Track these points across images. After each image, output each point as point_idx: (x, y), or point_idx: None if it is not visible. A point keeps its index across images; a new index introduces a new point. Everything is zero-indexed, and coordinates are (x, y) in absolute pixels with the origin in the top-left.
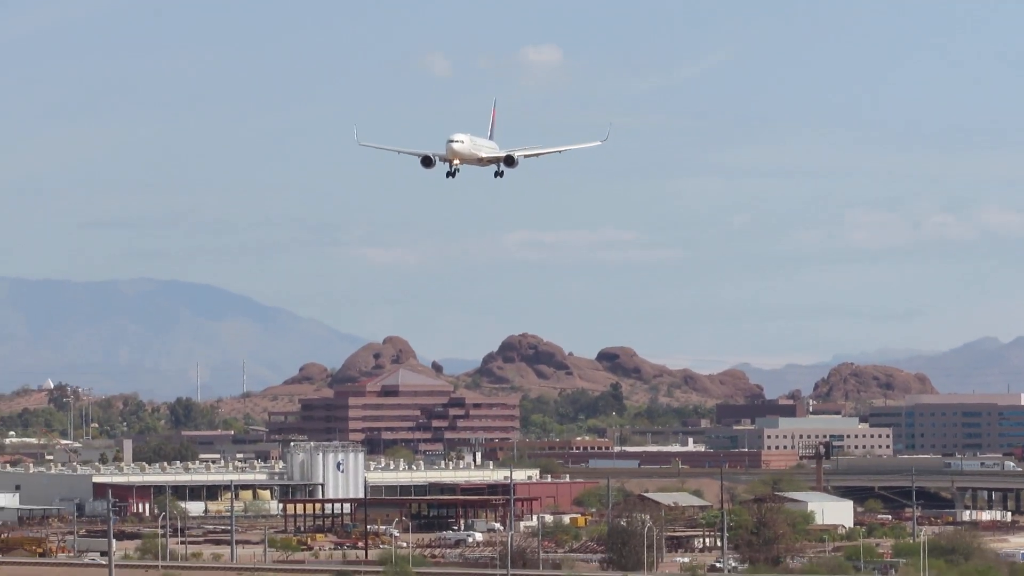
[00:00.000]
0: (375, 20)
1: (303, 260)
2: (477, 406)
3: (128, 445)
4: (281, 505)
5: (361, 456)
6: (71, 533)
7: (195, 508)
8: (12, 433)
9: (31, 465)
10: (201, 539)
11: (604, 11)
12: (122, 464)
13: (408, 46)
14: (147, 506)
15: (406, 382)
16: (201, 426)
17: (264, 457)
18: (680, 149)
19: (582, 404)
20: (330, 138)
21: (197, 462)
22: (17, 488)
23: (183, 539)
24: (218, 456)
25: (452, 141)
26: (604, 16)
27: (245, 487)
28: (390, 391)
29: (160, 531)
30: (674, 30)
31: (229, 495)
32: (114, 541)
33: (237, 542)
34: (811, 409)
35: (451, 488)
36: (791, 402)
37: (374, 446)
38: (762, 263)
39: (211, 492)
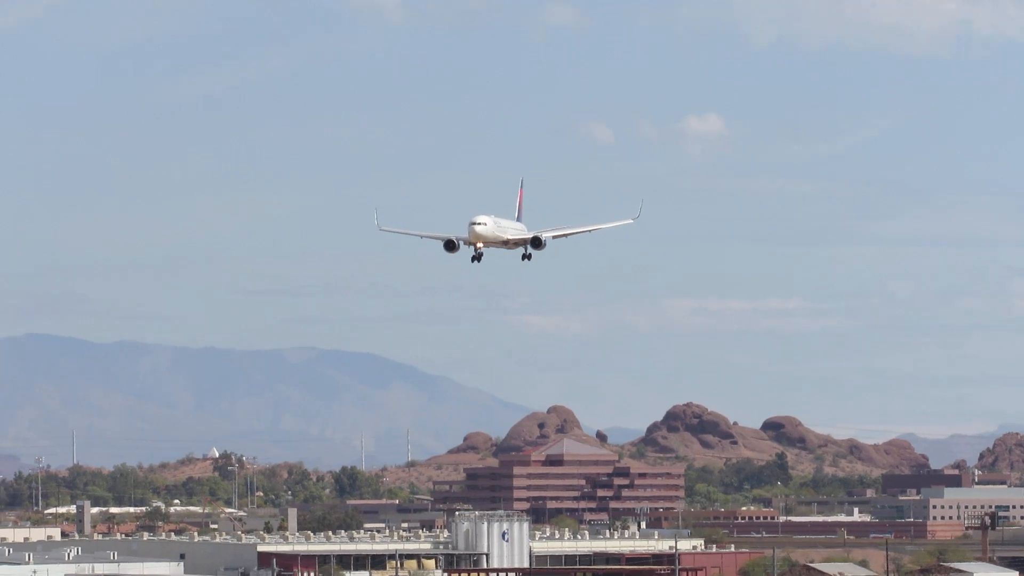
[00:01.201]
0: (540, 87)
1: (466, 328)
2: (642, 475)
3: (293, 514)
4: (446, 575)
5: (526, 525)
6: None
7: None
8: (177, 502)
9: (196, 534)
10: None
11: (766, 80)
12: (287, 533)
13: (572, 113)
14: (312, 575)
15: (571, 451)
16: (366, 495)
17: (429, 526)
18: (842, 217)
19: (747, 473)
20: (493, 204)
21: (362, 531)
22: (182, 557)
23: None
24: (383, 525)
25: (474, 223)
26: (766, 85)
27: (410, 556)
28: (555, 460)
29: None
30: (836, 99)
31: (394, 564)
32: None
33: None
34: (976, 479)
35: (616, 558)
36: (956, 472)
37: (539, 515)
38: (925, 332)
39: (376, 562)
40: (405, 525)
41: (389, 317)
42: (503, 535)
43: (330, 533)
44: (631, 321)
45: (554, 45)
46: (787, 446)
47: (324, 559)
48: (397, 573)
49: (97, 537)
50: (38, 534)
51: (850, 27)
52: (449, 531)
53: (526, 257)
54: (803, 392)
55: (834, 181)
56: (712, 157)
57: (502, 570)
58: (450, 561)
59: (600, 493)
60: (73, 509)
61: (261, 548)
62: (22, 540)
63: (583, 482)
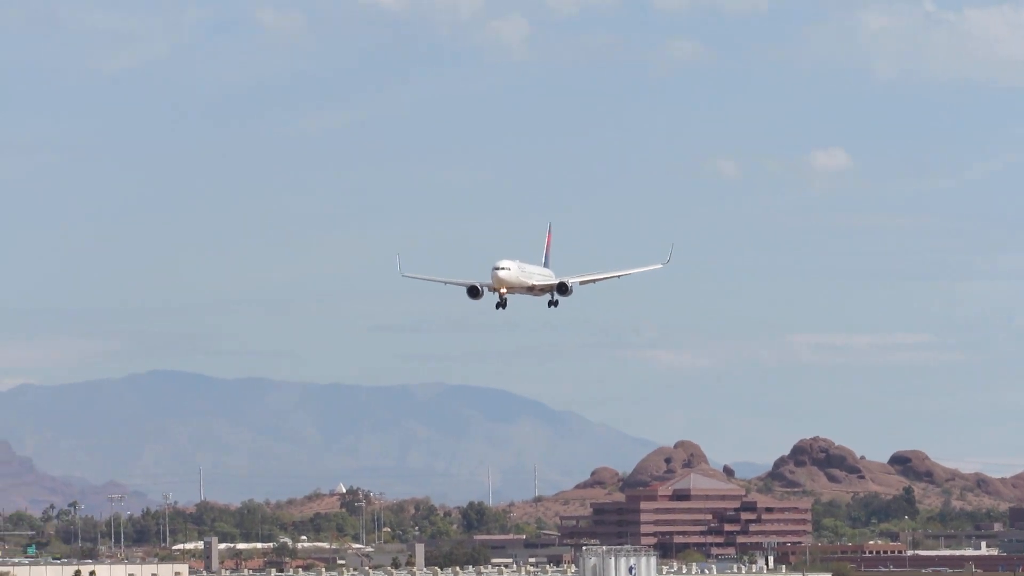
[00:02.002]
0: (665, 123)
1: (593, 363)
2: (769, 510)
3: (420, 549)
4: None
5: (653, 560)
6: None
7: None
8: (304, 538)
9: (323, 570)
10: None
11: (890, 115)
12: (414, 568)
13: (697, 149)
14: None
15: (698, 486)
16: (493, 530)
17: (556, 561)
18: (966, 251)
19: (874, 508)
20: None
21: (489, 566)
22: None
23: None
24: (510, 560)
25: (497, 268)
26: (890, 120)
27: None
28: (682, 495)
29: None
30: (960, 132)
31: None
32: None
33: None
34: None
35: None
36: None
37: (666, 550)
38: None
39: None
40: (532, 560)
41: (516, 352)
42: (630, 570)
43: (457, 568)
44: (757, 356)
45: (679, 81)
46: (914, 480)
47: None
48: None
49: (225, 573)
50: (166, 570)
51: (974, 61)
52: (576, 566)
53: (553, 304)
54: (930, 426)
55: (958, 215)
56: (837, 192)
57: None
58: None
59: (727, 528)
60: (200, 545)
61: None
62: None
63: (710, 517)
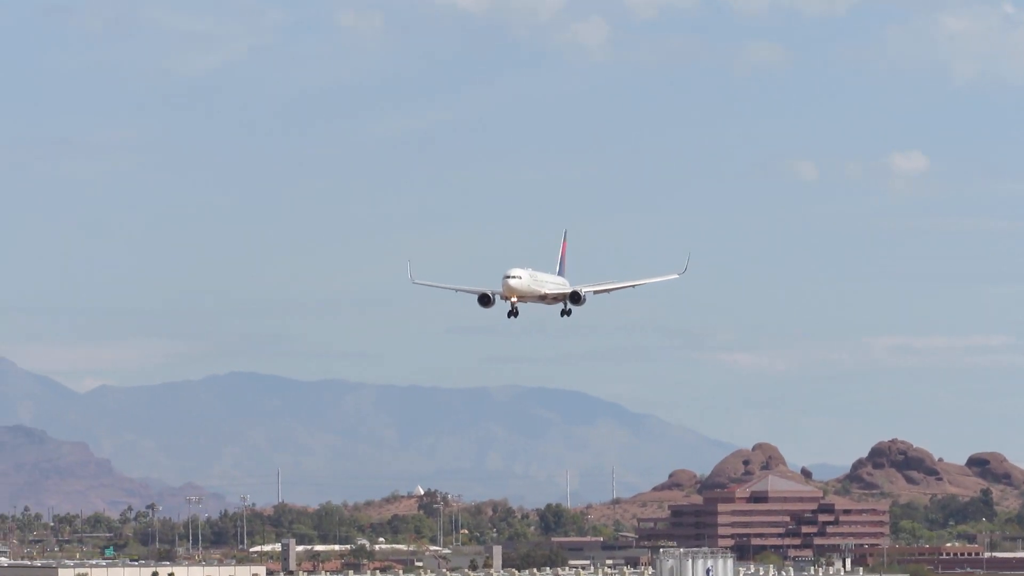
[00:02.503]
0: (744, 126)
1: (671, 365)
2: (847, 512)
3: (498, 551)
4: None
5: (731, 562)
6: None
7: None
8: (382, 540)
9: (401, 572)
10: None
11: (969, 117)
12: (492, 570)
13: (776, 152)
14: None
15: (775, 488)
16: (570, 532)
17: (634, 563)
18: None
19: (952, 510)
20: (694, 243)
21: (567, 568)
22: None
23: None
24: (588, 562)
25: (508, 277)
26: (969, 122)
27: None
28: (760, 497)
29: None
30: None
31: None
32: None
33: None
34: None
35: None
36: None
37: (743, 552)
38: None
39: None
40: (610, 562)
41: (595, 355)
42: (707, 572)
43: (535, 570)
44: (835, 358)
45: (758, 83)
46: (992, 482)
47: None
48: None
49: (303, 575)
50: (243, 572)
51: None
52: (654, 568)
53: (565, 313)
54: (1008, 427)
55: None
56: (915, 194)
57: None
58: None
59: (805, 530)
60: (278, 547)
61: None
62: None
63: (788, 519)
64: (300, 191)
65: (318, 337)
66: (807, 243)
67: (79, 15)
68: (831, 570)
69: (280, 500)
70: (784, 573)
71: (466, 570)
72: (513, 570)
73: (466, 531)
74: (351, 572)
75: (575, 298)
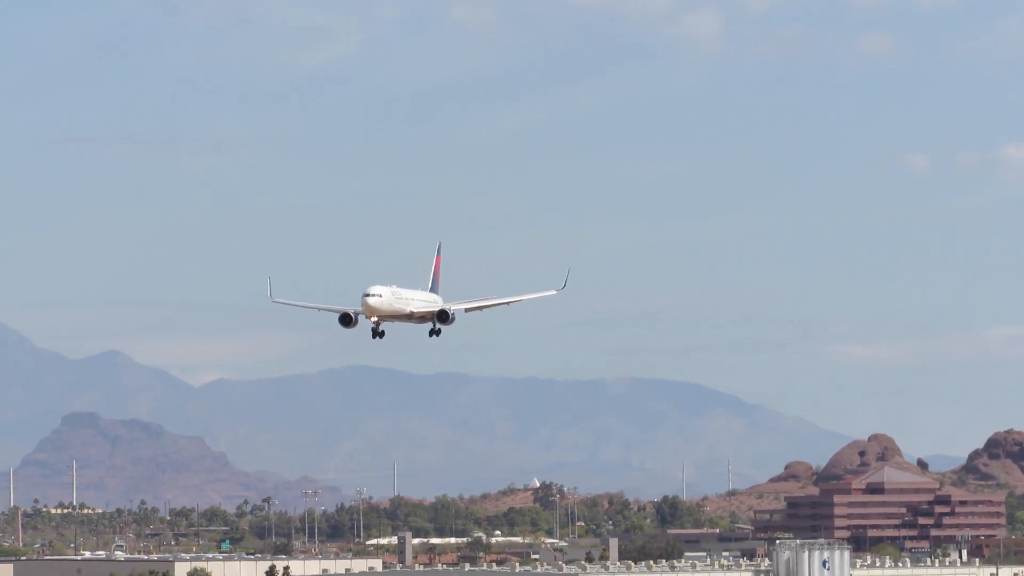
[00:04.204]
0: (856, 118)
1: (786, 357)
2: (963, 503)
3: (614, 544)
4: None
5: (847, 554)
6: None
7: None
8: (498, 532)
9: (517, 564)
10: None
11: None
12: (608, 563)
13: (889, 144)
14: None
15: (891, 479)
16: (687, 524)
17: (750, 555)
18: None
19: None
20: (808, 236)
21: (683, 560)
22: None
23: None
24: (704, 554)
25: (368, 295)
26: None
27: None
28: (875, 488)
29: None
30: None
31: None
32: None
33: None
34: None
35: None
36: None
37: (859, 544)
38: None
39: None
40: (726, 554)
41: (710, 346)
42: (824, 564)
43: (651, 563)
44: (951, 348)
45: (871, 75)
46: None
47: None
48: None
49: (418, 568)
50: (359, 565)
51: None
52: (770, 560)
53: (434, 332)
54: None
55: None
56: None
57: None
58: None
59: (921, 521)
60: (394, 540)
61: None
62: (344, 571)
63: (904, 510)
64: (412, 184)
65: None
66: (921, 235)
67: (195, 11)
68: (947, 561)
69: (396, 493)
70: (900, 564)
71: (582, 563)
72: (629, 562)
73: (582, 523)
74: (467, 565)
75: (443, 317)
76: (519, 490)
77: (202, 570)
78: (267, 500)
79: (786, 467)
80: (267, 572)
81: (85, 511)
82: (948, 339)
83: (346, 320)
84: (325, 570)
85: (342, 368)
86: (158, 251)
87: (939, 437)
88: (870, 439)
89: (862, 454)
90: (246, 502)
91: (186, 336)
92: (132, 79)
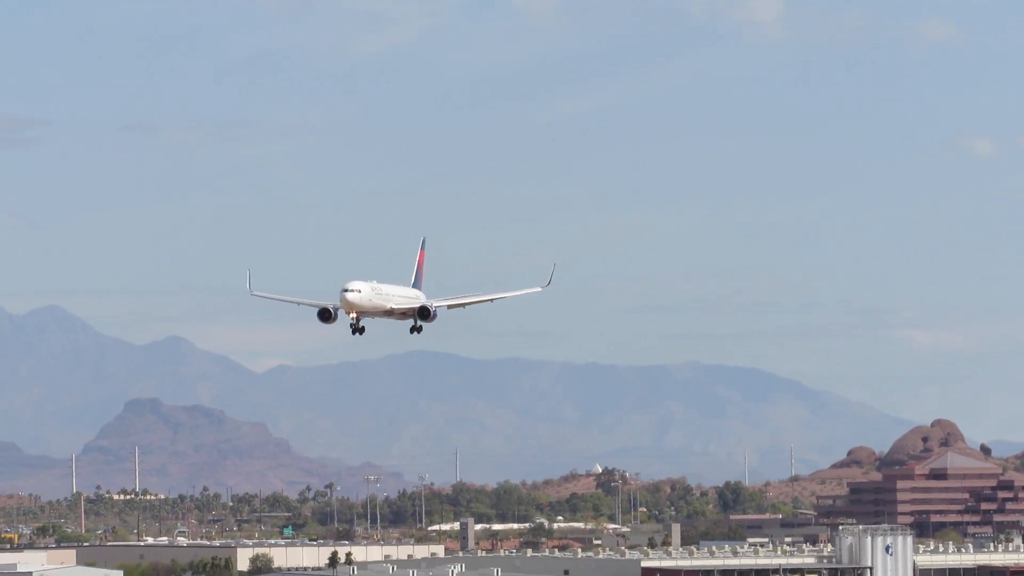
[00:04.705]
0: (919, 103)
1: (849, 342)
2: None
3: (676, 529)
4: None
5: (910, 539)
6: None
7: None
8: (560, 518)
9: (579, 550)
10: None
11: None
12: (670, 548)
13: (953, 128)
14: None
15: (954, 465)
16: (749, 510)
17: (813, 541)
18: None
19: None
20: (872, 221)
21: (746, 546)
22: (565, 573)
23: None
24: (766, 540)
25: (346, 291)
26: None
27: (794, 571)
28: (938, 474)
29: None
30: None
31: None
32: None
33: None
34: None
35: (1000, 572)
36: None
37: (922, 529)
38: None
39: None
40: (789, 539)
41: (774, 332)
42: (887, 549)
43: (714, 548)
44: (1014, 334)
45: (933, 61)
46: None
47: (708, 574)
48: None
49: (481, 554)
50: (422, 551)
51: None
52: (833, 545)
53: (416, 329)
54: None
55: None
56: None
57: None
58: (834, 575)
59: (984, 506)
60: (456, 526)
61: (645, 564)
62: (406, 557)
63: (967, 496)
64: (476, 172)
65: (498, 316)
66: (984, 219)
67: None
68: (1010, 547)
69: (458, 479)
70: (963, 550)
71: (644, 548)
72: (691, 548)
73: (644, 509)
74: (529, 550)
75: (424, 313)
76: (581, 476)
77: (264, 556)
78: (329, 486)
79: (849, 453)
80: (329, 558)
81: (147, 497)
82: (1012, 324)
83: (325, 315)
84: (387, 556)
85: (404, 354)
86: (221, 237)
87: (1002, 423)
88: (933, 424)
89: (925, 440)
90: (308, 488)
91: (249, 322)
92: (197, 65)
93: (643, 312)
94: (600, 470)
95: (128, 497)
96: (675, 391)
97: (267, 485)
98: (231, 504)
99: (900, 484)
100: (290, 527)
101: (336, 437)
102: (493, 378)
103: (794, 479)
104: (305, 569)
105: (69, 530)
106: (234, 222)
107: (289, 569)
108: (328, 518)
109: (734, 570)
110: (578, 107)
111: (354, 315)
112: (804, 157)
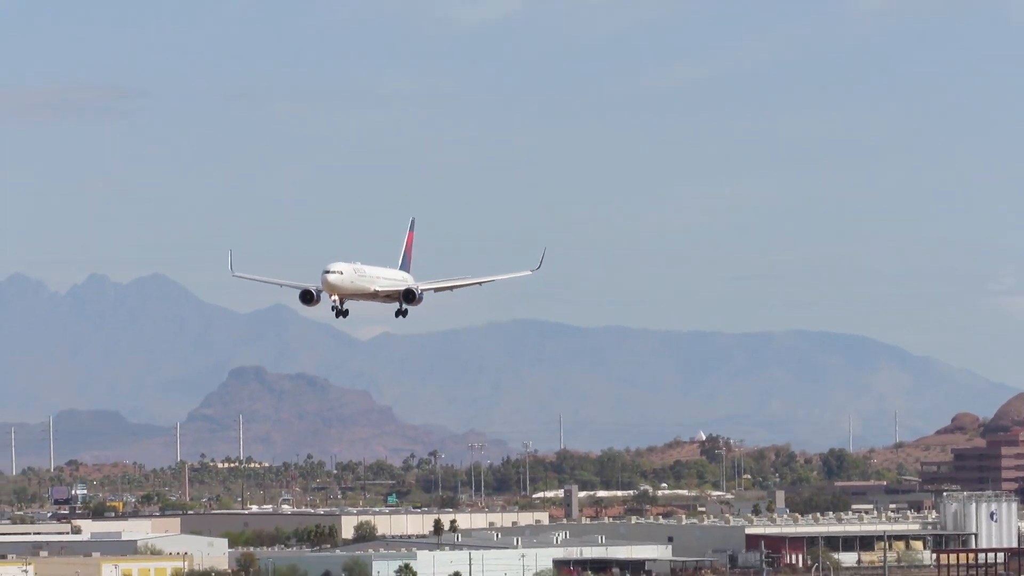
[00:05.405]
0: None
1: (953, 309)
2: None
3: (780, 496)
4: (934, 555)
5: (1014, 505)
6: None
7: (848, 559)
8: (664, 485)
9: (683, 517)
10: None
11: None
12: (774, 515)
13: None
14: (800, 557)
15: None
16: (853, 476)
17: (917, 507)
18: None
19: None
20: (975, 187)
21: (850, 512)
22: (670, 540)
23: None
24: (870, 507)
25: (327, 272)
26: None
27: (898, 537)
28: None
29: None
30: None
31: (882, 546)
32: None
33: None
34: None
35: None
36: None
37: None
38: None
39: (864, 543)
40: (893, 506)
41: (877, 299)
42: (991, 515)
43: (818, 515)
44: None
45: None
46: None
47: (812, 541)
48: (885, 554)
49: (585, 521)
50: (526, 518)
51: None
52: (937, 512)
53: (401, 313)
54: None
55: None
56: None
57: (990, 550)
58: (938, 542)
59: None
60: (560, 493)
61: (749, 530)
62: (510, 524)
63: None
64: (582, 139)
65: (601, 285)
66: None
67: None
68: None
69: (562, 446)
70: None
71: (749, 515)
72: (796, 514)
73: (748, 476)
74: (633, 518)
75: (409, 296)
76: (685, 443)
77: (368, 524)
78: (433, 454)
79: (953, 419)
80: (434, 525)
81: (252, 465)
82: None
83: (307, 297)
84: (492, 523)
85: (507, 322)
86: (319, 205)
87: None
88: None
89: None
90: (412, 456)
91: None
92: (295, 34)
93: (747, 280)
94: (704, 437)
95: (232, 465)
96: (778, 358)
97: (371, 453)
98: (335, 472)
99: (1004, 450)
100: (394, 495)
101: (439, 405)
102: (596, 346)
103: (898, 446)
104: (409, 537)
105: (173, 498)
106: (339, 190)
107: (393, 537)
108: (432, 486)
109: (838, 537)
110: (683, 74)
111: (336, 297)
112: (906, 123)
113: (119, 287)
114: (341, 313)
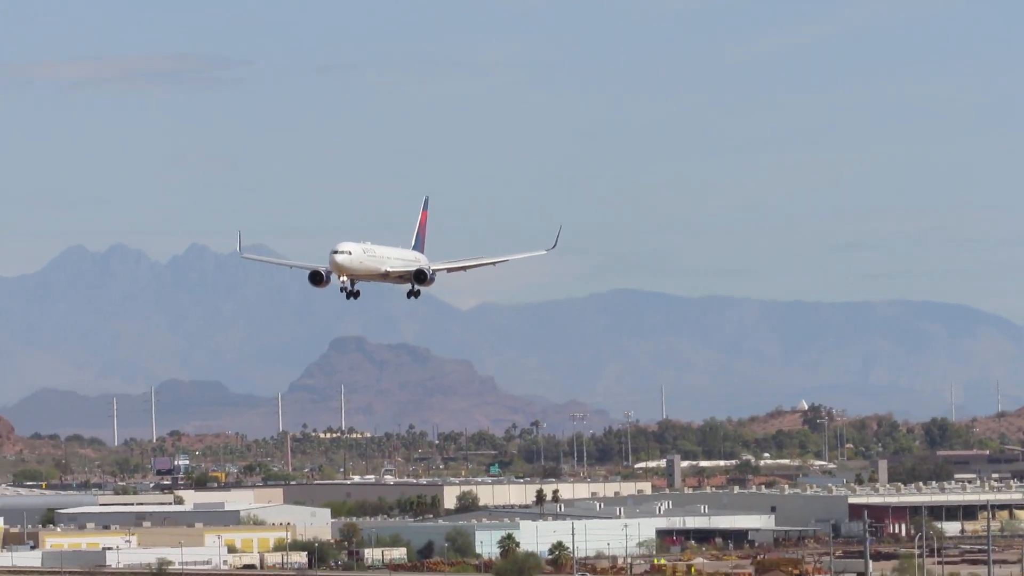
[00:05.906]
0: None
1: None
2: None
3: (883, 466)
4: None
5: None
6: (827, 554)
7: (951, 528)
8: (766, 455)
9: (786, 487)
10: (958, 559)
11: None
12: (877, 485)
13: None
14: (903, 527)
15: None
16: (956, 446)
17: (1020, 476)
18: None
19: None
20: None
21: (953, 482)
22: (773, 510)
23: (939, 559)
24: (973, 476)
25: (335, 252)
26: None
27: (1001, 507)
28: None
29: (916, 552)
30: None
31: (985, 515)
32: (870, 562)
33: (994, 562)
34: None
35: None
36: None
37: None
38: None
39: (967, 512)
40: (996, 476)
41: (979, 268)
42: None
43: (920, 484)
44: None
45: None
46: None
47: (915, 510)
48: (989, 523)
49: (687, 491)
50: (628, 488)
51: None
52: None
53: (413, 294)
54: None
55: None
56: None
57: None
58: None
59: None
60: (663, 463)
61: (852, 500)
62: (613, 494)
63: None
64: (682, 109)
65: (702, 254)
66: None
67: None
68: None
69: (664, 416)
70: None
71: (851, 484)
72: (898, 484)
73: (851, 446)
74: (736, 487)
75: (420, 277)
76: (787, 412)
77: (471, 494)
78: (535, 424)
79: None
80: (536, 495)
81: (354, 436)
82: None
83: (316, 278)
84: (594, 493)
85: (608, 292)
86: (415, 174)
87: None
88: None
89: None
90: (514, 426)
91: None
92: (388, 4)
93: (848, 250)
94: (806, 407)
95: (334, 436)
96: (880, 327)
97: (472, 423)
98: (437, 442)
99: None
100: (496, 465)
101: (540, 375)
102: (697, 316)
103: (1001, 415)
104: (512, 507)
105: (275, 469)
106: (427, 159)
107: (496, 507)
108: (534, 456)
109: (941, 506)
110: (780, 43)
111: (345, 278)
112: (1006, 91)
113: (220, 257)
114: (352, 294)
